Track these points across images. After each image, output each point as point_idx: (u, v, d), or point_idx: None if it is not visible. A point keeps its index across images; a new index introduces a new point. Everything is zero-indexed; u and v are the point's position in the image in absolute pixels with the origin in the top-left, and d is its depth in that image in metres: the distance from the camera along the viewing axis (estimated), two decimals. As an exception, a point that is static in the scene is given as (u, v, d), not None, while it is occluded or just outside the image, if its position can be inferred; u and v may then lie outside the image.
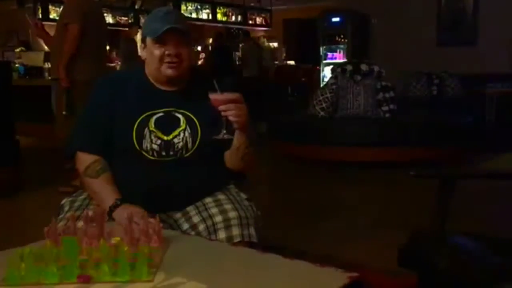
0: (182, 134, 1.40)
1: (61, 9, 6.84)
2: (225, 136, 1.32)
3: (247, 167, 1.46)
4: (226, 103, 1.27)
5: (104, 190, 1.35)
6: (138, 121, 1.39)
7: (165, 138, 1.40)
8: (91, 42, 3.48)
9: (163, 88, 1.45)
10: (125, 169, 1.40)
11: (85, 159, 1.41)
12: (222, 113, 1.28)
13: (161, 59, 1.38)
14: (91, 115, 1.46)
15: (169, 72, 1.39)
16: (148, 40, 1.39)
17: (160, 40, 1.37)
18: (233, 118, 1.28)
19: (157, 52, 1.38)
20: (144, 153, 1.39)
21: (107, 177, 1.37)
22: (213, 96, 1.28)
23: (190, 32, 1.41)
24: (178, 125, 1.41)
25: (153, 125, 1.40)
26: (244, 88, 1.31)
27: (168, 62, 1.37)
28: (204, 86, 1.44)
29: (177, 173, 1.39)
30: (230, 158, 1.43)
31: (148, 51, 1.41)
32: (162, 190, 1.38)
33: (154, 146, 1.39)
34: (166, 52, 1.37)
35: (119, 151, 1.41)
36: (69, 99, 3.40)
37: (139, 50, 1.47)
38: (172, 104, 1.42)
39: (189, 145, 1.41)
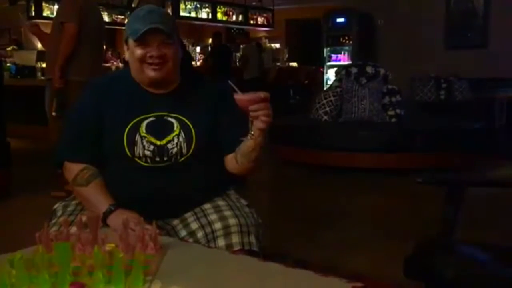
0: (176, 139, 1.37)
1: (55, 7, 6.76)
2: (252, 138, 1.28)
3: (254, 169, 1.41)
4: (254, 103, 1.22)
5: (96, 197, 1.33)
6: (129, 127, 1.36)
7: (158, 143, 1.36)
8: (88, 42, 3.42)
9: (153, 91, 1.41)
10: (119, 175, 1.37)
11: (72, 169, 1.38)
12: (251, 114, 1.23)
13: (142, 60, 1.34)
14: (77, 122, 1.43)
15: (152, 74, 1.35)
16: (130, 41, 1.35)
17: (141, 41, 1.32)
18: (265, 118, 1.23)
19: (138, 53, 1.33)
20: (137, 159, 1.36)
21: (98, 184, 1.35)
22: (238, 97, 1.23)
23: (174, 31, 1.36)
24: (172, 130, 1.37)
25: (144, 131, 1.36)
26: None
27: (150, 64, 1.34)
28: (198, 87, 1.40)
29: (173, 179, 1.36)
30: (239, 160, 1.38)
31: (130, 52, 1.37)
32: (158, 196, 1.35)
33: (147, 152, 1.36)
34: (148, 54, 1.33)
35: (111, 157, 1.39)
36: (61, 99, 3.35)
37: (125, 52, 1.42)
38: (164, 108, 1.38)
39: (184, 150, 1.37)
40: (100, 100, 1.40)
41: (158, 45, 1.32)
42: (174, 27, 1.37)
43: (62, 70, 3.35)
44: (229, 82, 1.26)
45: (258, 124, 1.25)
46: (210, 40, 9.12)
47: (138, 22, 1.33)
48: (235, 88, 1.24)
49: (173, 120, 1.38)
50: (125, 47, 1.40)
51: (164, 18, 1.36)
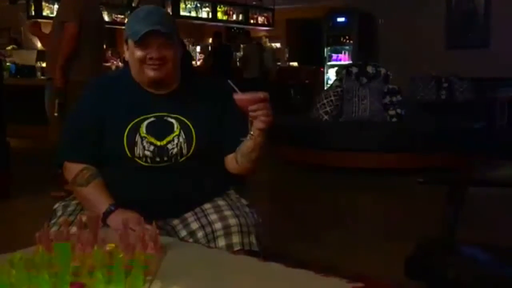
0: (176, 140, 1.37)
1: (55, 6, 6.71)
2: (252, 138, 1.28)
3: (254, 169, 1.41)
4: (253, 103, 1.22)
5: (96, 197, 1.33)
6: (129, 127, 1.36)
7: (159, 143, 1.36)
8: (89, 41, 3.40)
9: (153, 91, 1.40)
10: (119, 176, 1.37)
11: (72, 169, 1.38)
12: (251, 114, 1.23)
13: (142, 61, 1.33)
14: (77, 122, 1.43)
15: (152, 74, 1.34)
16: (130, 42, 1.35)
17: (141, 43, 1.32)
18: (264, 118, 1.23)
19: (138, 54, 1.33)
20: (137, 159, 1.36)
21: (98, 184, 1.35)
22: (238, 97, 1.23)
23: (175, 32, 1.36)
24: (172, 131, 1.37)
25: (144, 131, 1.36)
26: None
27: (150, 65, 1.33)
28: (198, 88, 1.40)
29: (173, 179, 1.36)
30: (239, 160, 1.37)
31: (130, 53, 1.36)
32: (158, 196, 1.35)
33: (147, 153, 1.35)
34: (148, 56, 1.32)
35: (112, 158, 1.38)
36: (62, 99, 3.33)
37: (125, 52, 1.41)
38: (164, 109, 1.38)
39: (184, 150, 1.37)
40: (100, 100, 1.40)
41: (158, 46, 1.32)
42: (174, 27, 1.37)
43: (63, 70, 3.34)
44: (229, 82, 1.26)
45: (257, 124, 1.25)
46: (210, 40, 9.11)
47: (138, 23, 1.32)
48: (235, 88, 1.24)
49: (173, 121, 1.38)
50: (125, 47, 1.39)
51: (164, 19, 1.35)
